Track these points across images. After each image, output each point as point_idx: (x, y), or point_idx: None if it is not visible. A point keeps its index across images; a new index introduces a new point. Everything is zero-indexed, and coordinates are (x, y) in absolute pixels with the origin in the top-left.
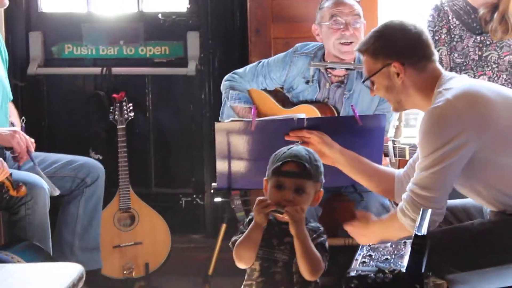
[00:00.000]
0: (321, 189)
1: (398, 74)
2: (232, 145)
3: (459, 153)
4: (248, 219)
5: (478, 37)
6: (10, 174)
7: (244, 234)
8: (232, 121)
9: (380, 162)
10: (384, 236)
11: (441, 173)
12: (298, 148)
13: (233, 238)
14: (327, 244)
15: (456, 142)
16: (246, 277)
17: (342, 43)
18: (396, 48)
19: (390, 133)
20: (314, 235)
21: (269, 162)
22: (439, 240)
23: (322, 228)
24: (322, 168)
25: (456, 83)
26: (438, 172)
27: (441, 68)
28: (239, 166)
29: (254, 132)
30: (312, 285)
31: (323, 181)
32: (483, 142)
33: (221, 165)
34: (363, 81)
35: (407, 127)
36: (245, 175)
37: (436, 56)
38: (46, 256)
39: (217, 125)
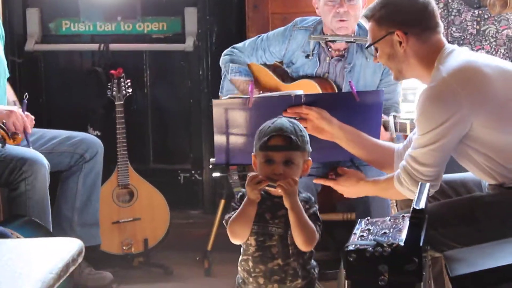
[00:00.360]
0: (309, 158)
1: (400, 43)
2: (230, 122)
3: (456, 130)
4: (239, 195)
5: (476, 11)
6: (3, 123)
7: (238, 210)
8: (230, 97)
9: (378, 137)
10: (378, 195)
11: (438, 150)
12: (282, 121)
13: (227, 216)
14: (318, 213)
15: (452, 121)
16: (242, 252)
17: (339, 20)
18: (401, 16)
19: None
20: (306, 206)
21: (255, 137)
22: (437, 213)
23: (313, 198)
24: (307, 137)
25: (454, 59)
26: (436, 149)
27: (444, 40)
28: (237, 142)
29: (251, 109)
30: (307, 255)
31: (310, 149)
32: (480, 117)
33: (219, 141)
34: (366, 47)
35: (405, 102)
36: (243, 151)
37: (441, 27)
38: (45, 231)
39: (214, 102)
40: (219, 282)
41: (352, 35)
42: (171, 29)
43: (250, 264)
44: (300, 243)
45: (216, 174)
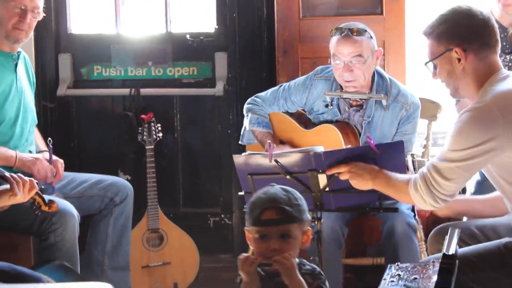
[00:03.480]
0: (309, 228)
1: (459, 60)
2: (255, 177)
3: (486, 156)
4: (239, 280)
5: (508, 56)
6: (41, 190)
7: None
8: (250, 154)
9: None
10: (383, 191)
11: (465, 169)
12: (275, 191)
13: None
14: (327, 284)
15: (485, 146)
16: None
17: (344, 80)
18: (460, 32)
19: (418, 152)
20: (310, 280)
21: (247, 210)
22: (467, 258)
23: (318, 269)
24: (305, 206)
25: (505, 84)
26: (463, 168)
27: (501, 64)
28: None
29: (272, 165)
30: None
31: (309, 218)
32: None
33: (246, 192)
34: (425, 64)
35: (435, 146)
36: None
37: (499, 47)
38: (75, 276)
39: (235, 158)
40: None
41: (367, 91)
42: (202, 74)
43: None
44: None
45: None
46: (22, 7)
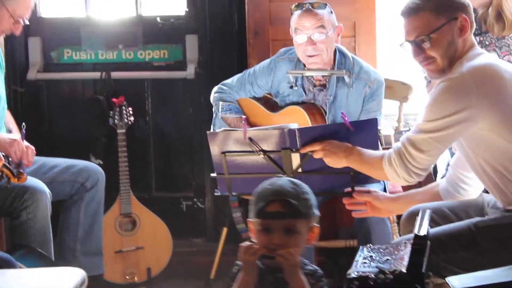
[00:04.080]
0: (316, 225)
1: (460, 30)
2: (229, 158)
3: (459, 127)
4: (236, 270)
5: (477, 38)
6: (9, 162)
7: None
8: (224, 130)
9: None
10: (356, 168)
11: (439, 140)
12: (282, 183)
13: None
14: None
15: (460, 115)
16: None
17: (308, 55)
18: (460, 2)
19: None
20: (312, 281)
21: (251, 200)
22: (438, 239)
23: (320, 271)
24: (313, 200)
25: (479, 59)
26: (437, 139)
27: (475, 42)
28: (236, 173)
29: (247, 143)
30: None
31: (317, 214)
32: (488, 122)
33: (219, 173)
34: (416, 39)
35: (406, 128)
36: (243, 182)
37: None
38: (48, 261)
39: (209, 135)
40: None
41: (329, 68)
42: (173, 57)
43: None
44: None
45: (217, 193)
46: (19, 19)
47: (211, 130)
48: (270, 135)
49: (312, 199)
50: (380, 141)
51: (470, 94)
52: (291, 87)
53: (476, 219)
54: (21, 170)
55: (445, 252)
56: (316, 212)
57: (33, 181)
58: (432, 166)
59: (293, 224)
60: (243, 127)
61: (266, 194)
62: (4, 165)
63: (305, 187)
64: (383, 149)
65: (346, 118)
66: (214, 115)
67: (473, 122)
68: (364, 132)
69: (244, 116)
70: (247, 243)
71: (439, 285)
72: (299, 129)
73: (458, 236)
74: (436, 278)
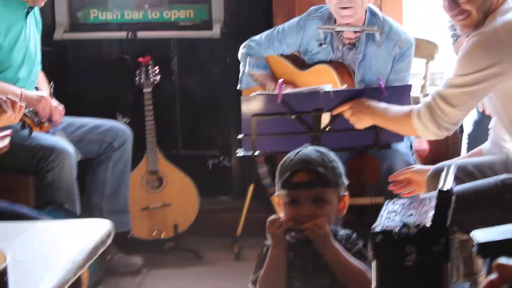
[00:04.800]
0: (345, 193)
1: None
2: (258, 117)
3: (491, 82)
4: (265, 250)
5: None
6: (29, 111)
7: (265, 266)
8: (258, 94)
9: (403, 138)
10: (383, 125)
11: (469, 95)
12: (307, 152)
13: (252, 278)
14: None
15: (491, 70)
16: None
17: (341, 8)
18: None
19: (415, 93)
20: (348, 245)
21: (276, 173)
22: (464, 195)
23: (354, 235)
24: (340, 168)
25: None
26: (467, 93)
27: None
28: (263, 133)
29: (280, 105)
30: None
31: (346, 182)
32: None
33: (246, 134)
34: None
35: (432, 86)
36: (268, 140)
37: None
38: (73, 217)
39: (243, 99)
40: (248, 266)
41: (360, 24)
42: (198, 17)
43: None
44: None
45: (240, 154)
46: None
47: (238, 87)
48: (304, 97)
49: (340, 167)
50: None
51: (503, 48)
52: (320, 44)
53: (503, 176)
54: (43, 120)
55: (471, 209)
56: (345, 180)
57: (58, 142)
58: (462, 121)
59: (322, 193)
60: (279, 90)
61: (292, 164)
62: (25, 115)
63: (332, 155)
64: None
65: (381, 83)
66: (241, 72)
67: (505, 77)
68: (397, 98)
69: (280, 80)
70: (273, 216)
71: (464, 241)
72: (334, 91)
73: (484, 193)
74: (461, 234)
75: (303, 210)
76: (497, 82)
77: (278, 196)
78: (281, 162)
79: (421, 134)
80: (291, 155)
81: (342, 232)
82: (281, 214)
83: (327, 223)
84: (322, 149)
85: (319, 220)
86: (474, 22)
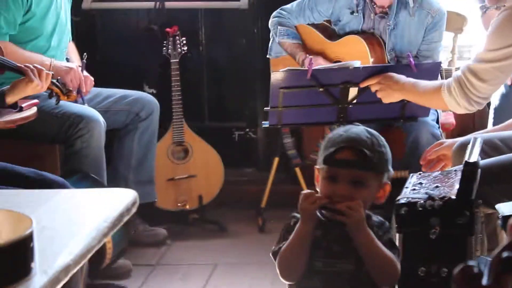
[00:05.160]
0: (388, 182)
1: None
2: (285, 91)
3: None
4: (293, 223)
5: None
6: (57, 80)
7: (290, 238)
8: (288, 69)
9: (428, 113)
10: (413, 99)
11: (500, 70)
12: (358, 131)
13: (274, 248)
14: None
15: None
16: None
17: None
18: None
19: (443, 66)
20: (380, 232)
21: (321, 146)
22: (490, 169)
23: (387, 223)
24: (389, 155)
25: None
26: (499, 68)
27: None
28: (289, 105)
29: (309, 80)
30: None
31: (391, 171)
32: None
33: (273, 106)
34: None
35: (460, 60)
36: (294, 112)
37: None
38: (101, 186)
39: (272, 75)
40: (272, 238)
41: None
42: None
43: None
44: (380, 280)
45: (265, 125)
46: None
47: (268, 56)
48: (333, 72)
49: (388, 153)
50: (440, 75)
51: None
52: (352, 12)
53: None
54: (71, 89)
55: (497, 182)
56: (391, 169)
57: (88, 110)
58: (492, 95)
59: (362, 176)
60: (309, 66)
61: (338, 140)
62: (53, 84)
63: (382, 140)
64: None
65: (411, 60)
66: (271, 40)
67: None
68: (426, 75)
69: (311, 56)
70: (308, 191)
71: (488, 215)
72: (364, 67)
73: (510, 167)
74: (487, 208)
75: (340, 189)
76: None
77: (318, 170)
78: (329, 135)
79: (452, 109)
80: (340, 130)
81: (375, 218)
82: (317, 188)
83: (363, 207)
84: (373, 132)
85: (355, 203)
86: None
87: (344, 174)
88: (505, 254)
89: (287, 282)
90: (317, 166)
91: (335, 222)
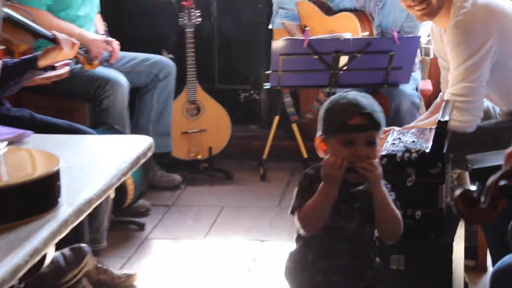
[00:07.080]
0: (382, 136)
1: None
2: (285, 57)
3: (488, 59)
4: (308, 181)
5: None
6: (83, 50)
7: (315, 198)
8: (287, 38)
9: (408, 80)
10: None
11: (476, 81)
12: (355, 97)
13: (295, 203)
14: None
15: (484, 49)
16: (301, 241)
17: None
18: None
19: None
20: (389, 193)
21: (322, 116)
22: (460, 138)
23: (388, 184)
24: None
25: None
26: (474, 81)
27: None
28: (288, 70)
29: (305, 48)
30: (374, 253)
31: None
32: (502, 48)
33: (274, 70)
34: None
35: None
36: (292, 76)
37: None
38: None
39: (273, 43)
40: (271, 185)
41: None
42: None
43: (309, 257)
44: (387, 235)
45: (267, 87)
46: None
47: (270, 26)
48: (327, 42)
49: (382, 110)
50: (420, 51)
51: (485, 23)
52: None
53: (493, 120)
54: (94, 58)
55: (466, 149)
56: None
57: (113, 74)
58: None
59: (374, 135)
60: (305, 36)
61: (345, 107)
62: (79, 53)
63: (374, 100)
64: (421, 59)
65: (395, 34)
66: (274, 14)
67: (496, 49)
68: (407, 47)
69: (307, 28)
70: (329, 157)
71: (460, 175)
72: (353, 39)
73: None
74: (458, 170)
75: (359, 151)
76: (491, 58)
77: (320, 139)
78: (328, 105)
79: (467, 130)
80: (338, 100)
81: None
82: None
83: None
84: (367, 95)
85: (375, 162)
86: (434, 11)
87: (359, 138)
88: (502, 182)
89: (307, 234)
90: (320, 136)
91: (352, 183)
